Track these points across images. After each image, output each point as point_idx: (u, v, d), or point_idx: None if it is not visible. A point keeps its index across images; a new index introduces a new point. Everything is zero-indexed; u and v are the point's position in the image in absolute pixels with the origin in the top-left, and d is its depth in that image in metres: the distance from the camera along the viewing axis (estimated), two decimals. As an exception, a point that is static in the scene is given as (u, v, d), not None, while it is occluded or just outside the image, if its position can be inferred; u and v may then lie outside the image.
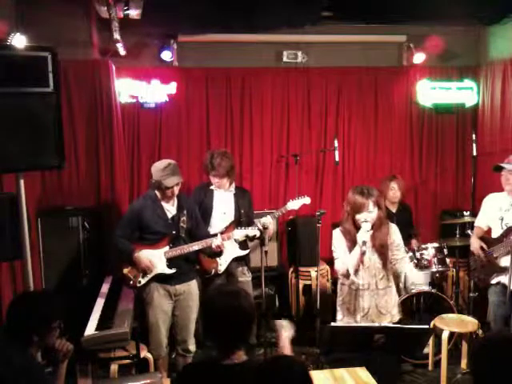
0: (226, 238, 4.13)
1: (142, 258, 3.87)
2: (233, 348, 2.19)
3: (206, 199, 4.48)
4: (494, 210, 4.06)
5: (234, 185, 4.59)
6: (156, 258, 3.91)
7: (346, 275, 3.56)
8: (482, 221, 4.18)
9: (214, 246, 4.02)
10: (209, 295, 2.40)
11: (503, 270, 3.85)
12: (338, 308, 3.67)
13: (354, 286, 3.57)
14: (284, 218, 5.50)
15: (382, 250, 3.55)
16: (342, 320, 3.62)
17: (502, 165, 3.95)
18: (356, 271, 3.53)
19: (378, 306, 3.56)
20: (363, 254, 3.44)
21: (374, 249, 3.54)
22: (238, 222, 4.39)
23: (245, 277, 4.55)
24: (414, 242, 5.18)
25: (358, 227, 3.50)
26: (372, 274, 3.55)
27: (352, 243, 3.52)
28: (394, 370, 3.78)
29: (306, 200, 4.61)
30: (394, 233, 3.63)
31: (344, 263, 3.55)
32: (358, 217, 3.48)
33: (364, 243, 3.42)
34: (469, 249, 4.24)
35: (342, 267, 3.56)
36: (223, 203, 4.51)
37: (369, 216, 3.46)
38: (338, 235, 3.63)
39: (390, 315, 3.60)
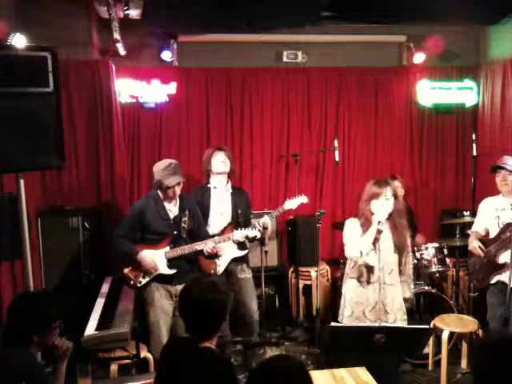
0: (226, 239, 4.13)
1: (146, 259, 3.86)
2: (199, 335, 2.29)
3: (203, 199, 4.47)
4: (490, 212, 4.07)
5: (230, 184, 4.59)
6: (157, 259, 3.91)
7: (358, 257, 3.53)
8: (479, 225, 4.18)
9: (205, 253, 4.02)
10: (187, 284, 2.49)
11: (502, 268, 3.86)
12: (346, 304, 3.64)
13: (363, 279, 3.57)
14: (284, 217, 5.50)
15: (399, 243, 3.57)
16: (351, 316, 3.60)
17: (502, 165, 3.95)
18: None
19: (383, 303, 3.56)
20: (380, 232, 3.49)
21: (390, 239, 3.56)
22: (236, 223, 4.39)
23: (244, 274, 4.54)
24: (419, 237, 5.16)
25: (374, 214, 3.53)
26: (381, 266, 3.54)
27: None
28: (393, 369, 3.78)
29: (304, 199, 4.58)
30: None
31: (356, 245, 3.52)
32: (375, 202, 3.51)
33: (379, 223, 3.47)
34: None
35: (354, 249, 3.53)
36: (221, 203, 4.50)
37: (385, 203, 3.51)
38: (353, 223, 3.63)
39: (393, 314, 3.59)
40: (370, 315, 3.55)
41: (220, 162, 4.45)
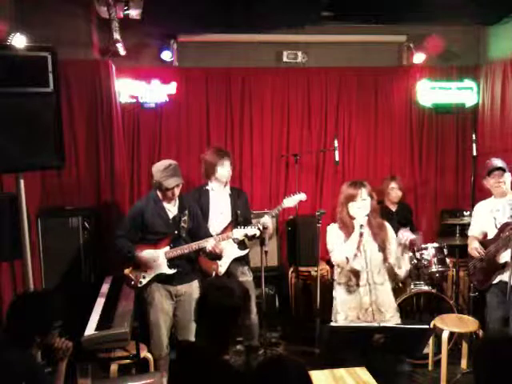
0: (226, 238, 4.13)
1: (144, 257, 3.87)
2: (218, 342, 2.23)
3: (202, 200, 4.46)
4: (485, 214, 4.09)
5: (228, 186, 4.58)
6: (157, 258, 3.90)
7: (344, 263, 3.54)
8: (475, 229, 4.19)
9: (207, 251, 4.02)
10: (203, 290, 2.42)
11: (503, 268, 3.86)
12: (338, 309, 3.64)
13: (352, 283, 3.57)
14: (284, 217, 5.50)
15: (380, 241, 3.58)
16: (345, 320, 3.58)
17: (498, 165, 3.96)
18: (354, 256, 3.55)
19: (377, 303, 3.56)
20: (361, 235, 3.50)
21: (372, 240, 3.57)
22: (235, 223, 4.38)
23: (245, 276, 4.54)
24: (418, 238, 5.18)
25: (352, 217, 3.55)
26: (368, 267, 3.55)
27: (349, 234, 3.54)
28: (394, 369, 3.77)
29: (302, 196, 4.58)
30: (389, 229, 3.70)
31: (342, 251, 3.54)
32: (352, 204, 3.53)
33: (361, 226, 3.49)
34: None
35: (340, 256, 3.54)
36: (219, 204, 4.50)
37: (362, 204, 3.53)
38: (334, 229, 3.65)
39: (388, 313, 3.60)
40: (365, 317, 3.54)
41: (226, 171, 4.45)
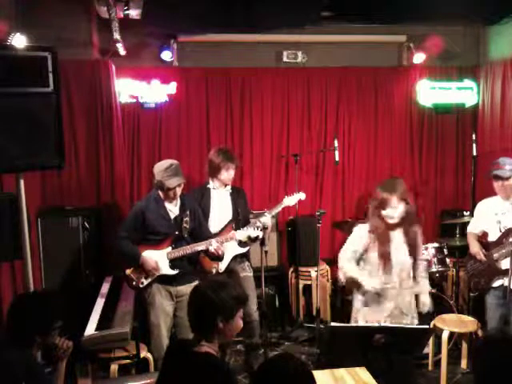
0: (229, 239, 4.12)
1: (147, 261, 3.86)
2: (198, 335, 2.29)
3: (203, 199, 4.46)
4: (489, 215, 4.04)
5: (229, 185, 4.59)
6: (159, 259, 3.90)
7: (340, 269, 3.54)
8: (475, 226, 4.16)
9: (210, 254, 4.01)
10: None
11: (505, 273, 3.81)
12: (360, 318, 3.56)
13: (374, 289, 3.48)
14: (284, 218, 5.50)
15: (411, 247, 3.52)
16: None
17: (498, 174, 3.89)
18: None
19: (399, 306, 3.51)
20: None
21: (403, 242, 3.51)
22: (236, 222, 4.39)
23: (245, 272, 4.52)
24: None
25: (384, 220, 3.48)
26: (396, 272, 3.49)
27: (377, 240, 3.48)
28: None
29: (301, 196, 4.61)
30: (420, 235, 3.64)
31: (349, 265, 3.50)
32: (384, 213, 3.47)
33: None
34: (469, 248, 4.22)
35: (344, 262, 3.52)
36: (221, 203, 4.50)
37: (393, 212, 3.45)
38: (362, 232, 3.55)
39: (410, 316, 3.55)
40: (386, 321, 3.49)
41: (230, 175, 4.46)
